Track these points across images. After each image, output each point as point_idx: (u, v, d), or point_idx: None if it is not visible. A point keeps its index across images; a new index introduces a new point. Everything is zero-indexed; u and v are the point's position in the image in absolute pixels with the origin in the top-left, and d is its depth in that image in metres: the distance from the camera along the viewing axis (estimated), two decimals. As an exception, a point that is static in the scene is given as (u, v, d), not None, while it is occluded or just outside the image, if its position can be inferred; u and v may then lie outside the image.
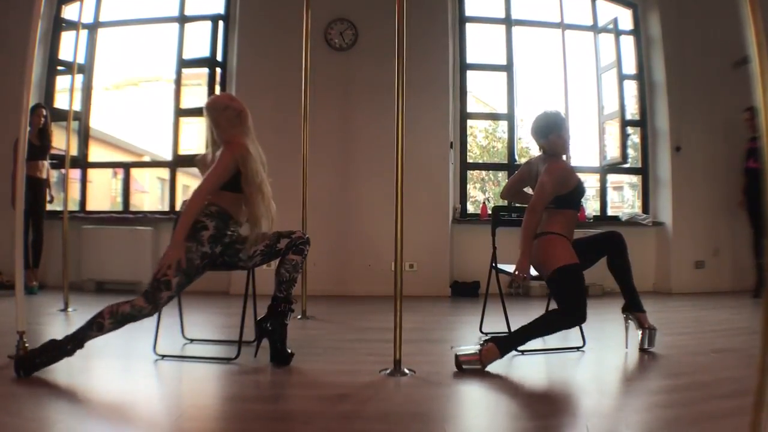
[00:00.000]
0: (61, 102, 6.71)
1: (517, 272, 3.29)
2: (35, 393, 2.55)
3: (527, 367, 3.16)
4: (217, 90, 6.68)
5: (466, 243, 6.50)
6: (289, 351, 3.11)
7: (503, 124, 7.86)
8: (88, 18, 6.78)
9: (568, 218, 3.48)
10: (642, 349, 3.48)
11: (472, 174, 7.03)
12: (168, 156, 6.95)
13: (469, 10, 6.92)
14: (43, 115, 5.96)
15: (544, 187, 3.38)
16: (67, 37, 6.81)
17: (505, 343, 3.14)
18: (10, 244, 3.29)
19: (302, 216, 4.84)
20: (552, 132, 3.52)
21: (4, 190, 5.84)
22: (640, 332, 3.51)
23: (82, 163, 6.87)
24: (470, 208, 6.96)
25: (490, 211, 6.38)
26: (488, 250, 3.86)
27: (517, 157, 6.96)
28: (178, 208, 3.61)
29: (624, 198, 16.66)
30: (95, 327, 2.88)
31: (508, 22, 6.92)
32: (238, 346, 3.17)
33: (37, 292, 5.78)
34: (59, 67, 6.79)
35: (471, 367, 3.06)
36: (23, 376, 2.78)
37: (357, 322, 4.74)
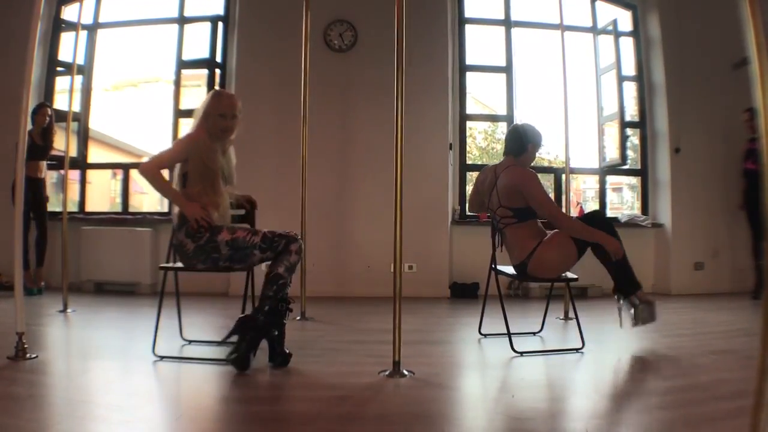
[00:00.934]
0: (60, 103, 6.71)
1: (616, 251, 3.50)
2: (35, 394, 2.55)
3: (527, 369, 3.16)
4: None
5: (466, 244, 6.49)
6: (288, 351, 3.10)
7: (503, 126, 7.86)
8: (87, 19, 6.77)
9: (538, 226, 3.68)
10: (636, 326, 3.59)
11: (471, 175, 6.99)
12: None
13: (469, 12, 6.92)
14: (48, 114, 5.89)
15: (541, 194, 3.54)
16: (66, 38, 6.80)
17: (628, 286, 3.58)
18: (12, 245, 3.27)
19: (301, 217, 4.84)
20: (530, 142, 3.72)
21: (4, 190, 5.82)
22: (632, 310, 3.59)
23: (81, 164, 6.86)
24: (469, 210, 6.96)
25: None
26: (487, 251, 3.86)
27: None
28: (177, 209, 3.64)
29: (623, 199, 16.65)
30: (287, 287, 3.06)
31: (508, 23, 6.92)
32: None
33: (37, 293, 5.74)
34: (59, 68, 6.79)
35: (646, 319, 3.52)
36: (243, 371, 2.94)
37: (356, 323, 4.74)
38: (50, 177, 6.29)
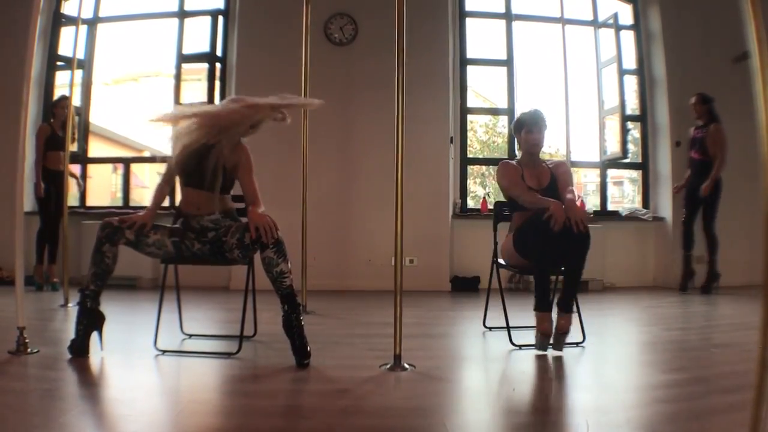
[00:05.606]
0: (60, 97, 6.71)
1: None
2: (36, 389, 2.56)
3: (527, 362, 3.17)
4: (217, 85, 6.67)
5: (466, 238, 6.49)
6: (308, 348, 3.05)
7: (503, 119, 7.86)
8: (87, 13, 6.75)
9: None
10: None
11: (472, 169, 7.03)
12: (167, 152, 6.94)
13: (470, 5, 6.91)
14: (67, 107, 5.72)
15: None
16: (66, 33, 6.79)
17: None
18: (12, 240, 3.27)
19: (302, 211, 4.84)
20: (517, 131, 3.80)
21: (7, 186, 5.80)
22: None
23: (82, 158, 6.86)
24: (470, 203, 6.96)
25: (490, 206, 6.40)
26: (488, 245, 3.86)
27: (517, 153, 6.95)
28: (177, 203, 3.61)
29: (624, 193, 16.62)
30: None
31: (509, 16, 6.91)
32: (239, 341, 3.18)
33: (51, 289, 5.67)
34: (59, 63, 6.78)
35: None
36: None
37: (357, 317, 4.74)
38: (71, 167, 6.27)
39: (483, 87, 13.81)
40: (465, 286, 6.29)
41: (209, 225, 3.25)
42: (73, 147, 5.92)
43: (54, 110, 5.83)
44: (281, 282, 3.00)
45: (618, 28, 6.76)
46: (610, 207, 7.24)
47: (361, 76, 6.37)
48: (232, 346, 3.20)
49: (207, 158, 3.23)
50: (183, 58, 6.71)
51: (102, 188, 11.90)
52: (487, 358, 3.48)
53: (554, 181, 3.67)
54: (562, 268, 3.39)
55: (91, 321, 3.09)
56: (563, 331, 3.23)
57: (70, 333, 3.07)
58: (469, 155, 7.05)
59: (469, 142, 7.15)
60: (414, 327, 3.99)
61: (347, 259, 6.29)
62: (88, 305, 3.08)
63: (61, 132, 5.78)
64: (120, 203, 7.27)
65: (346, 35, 6.46)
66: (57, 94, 6.76)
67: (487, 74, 13.51)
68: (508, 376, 3.01)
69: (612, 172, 7.72)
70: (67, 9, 6.86)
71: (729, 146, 5.93)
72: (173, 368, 3.02)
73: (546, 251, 3.23)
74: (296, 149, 4.97)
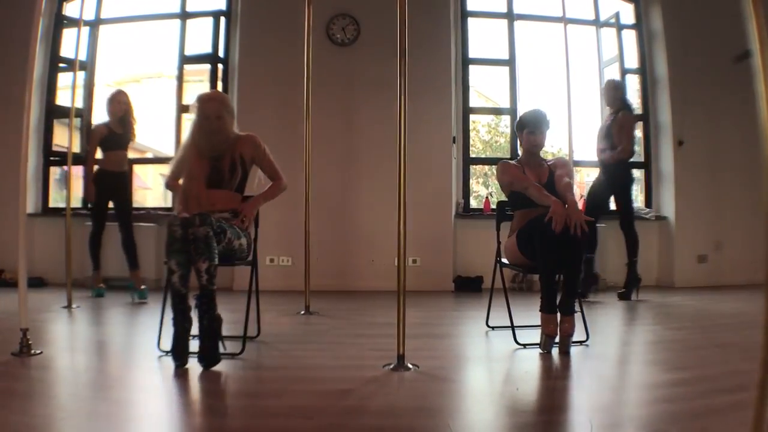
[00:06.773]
0: (63, 99, 6.72)
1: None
2: (40, 390, 2.56)
3: (531, 362, 3.17)
4: (219, 86, 6.67)
5: (469, 238, 6.49)
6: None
7: (506, 119, 7.85)
8: (89, 15, 6.76)
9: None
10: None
11: (474, 169, 7.03)
12: (170, 152, 6.96)
13: (471, 5, 6.91)
14: (122, 101, 5.61)
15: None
16: (68, 34, 6.80)
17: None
18: (15, 242, 3.27)
19: (305, 211, 4.84)
20: (520, 129, 3.85)
21: (9, 188, 5.80)
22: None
23: (84, 160, 6.86)
24: (473, 203, 6.97)
25: (492, 206, 6.40)
26: (491, 244, 3.86)
27: (519, 152, 6.94)
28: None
29: (627, 192, 16.61)
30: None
31: (510, 16, 6.90)
32: (243, 341, 3.18)
33: (140, 297, 5.30)
34: (61, 65, 6.78)
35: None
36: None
37: (360, 317, 4.74)
38: (54, 173, 6.22)
39: (485, 87, 13.79)
40: (468, 286, 6.29)
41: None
42: (65, 147, 5.73)
43: (109, 108, 5.58)
44: (198, 279, 2.94)
45: (620, 27, 6.76)
46: (613, 206, 7.22)
47: (363, 76, 6.37)
48: (236, 346, 3.19)
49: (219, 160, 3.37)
50: (185, 60, 6.71)
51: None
52: (490, 357, 3.48)
53: (552, 176, 3.70)
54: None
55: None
56: (567, 333, 3.25)
57: (74, 334, 3.08)
58: (472, 155, 7.06)
59: (471, 142, 7.15)
60: (417, 327, 3.99)
61: (350, 260, 6.29)
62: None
63: (120, 129, 5.59)
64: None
65: (348, 36, 6.46)
66: (59, 95, 6.77)
67: (489, 74, 13.50)
68: (511, 376, 3.01)
69: (615, 172, 7.68)
70: (69, 11, 6.87)
71: (633, 136, 5.67)
72: (177, 369, 3.02)
73: (550, 252, 3.24)
74: (299, 150, 4.97)
